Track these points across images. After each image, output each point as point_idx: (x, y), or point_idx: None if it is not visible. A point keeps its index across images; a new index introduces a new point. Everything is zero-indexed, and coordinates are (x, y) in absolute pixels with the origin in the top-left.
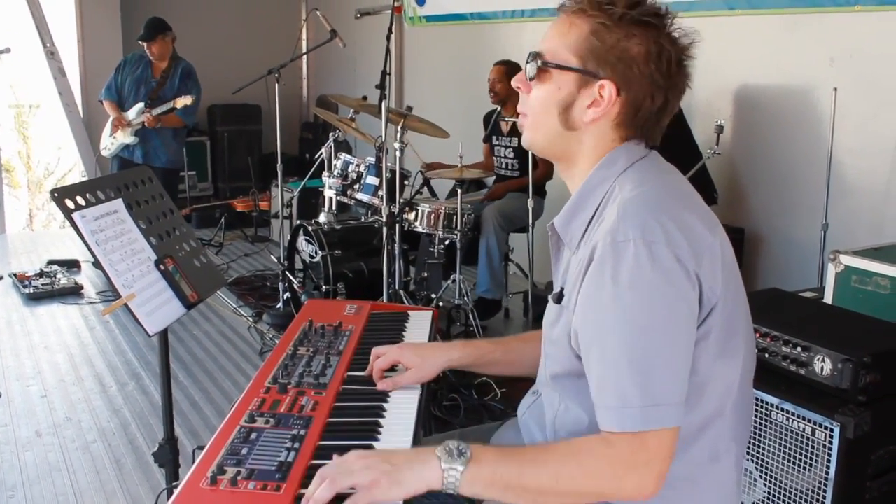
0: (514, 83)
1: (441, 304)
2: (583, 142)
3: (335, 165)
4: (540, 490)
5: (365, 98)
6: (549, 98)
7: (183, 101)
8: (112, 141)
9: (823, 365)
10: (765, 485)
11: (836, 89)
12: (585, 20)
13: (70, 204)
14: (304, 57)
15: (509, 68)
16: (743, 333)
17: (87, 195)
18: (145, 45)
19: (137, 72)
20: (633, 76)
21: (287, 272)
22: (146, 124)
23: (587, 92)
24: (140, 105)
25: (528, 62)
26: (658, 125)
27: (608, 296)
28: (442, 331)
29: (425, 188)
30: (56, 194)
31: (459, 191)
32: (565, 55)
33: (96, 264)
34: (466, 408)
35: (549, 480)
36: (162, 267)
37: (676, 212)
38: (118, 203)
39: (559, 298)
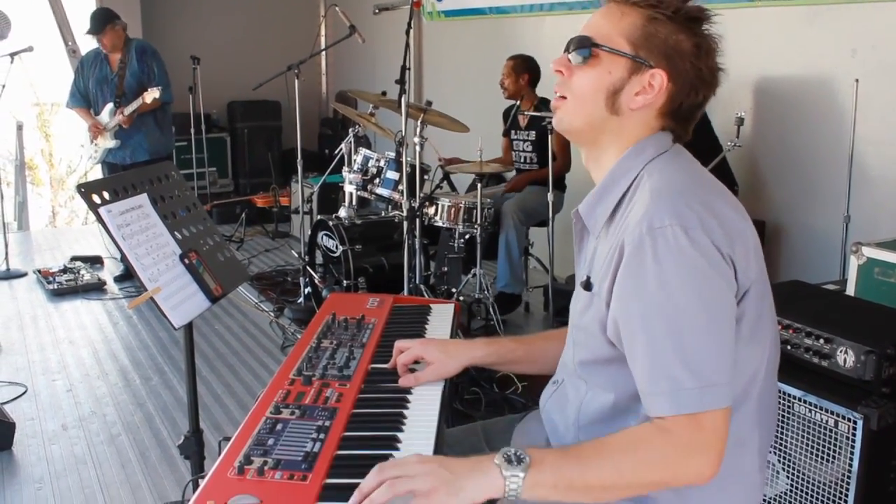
0: (554, 66)
1: (461, 298)
2: (623, 127)
3: (355, 161)
4: (604, 486)
5: (384, 93)
6: (598, 82)
7: (151, 95)
8: (95, 148)
9: (846, 357)
10: (788, 477)
11: (857, 80)
12: (638, 11)
13: (97, 199)
14: (324, 53)
15: (516, 63)
16: (769, 321)
17: (113, 190)
18: (96, 38)
19: (97, 72)
20: (682, 69)
21: (308, 267)
22: (122, 125)
23: (637, 79)
24: (110, 105)
25: (574, 47)
26: (692, 120)
27: (652, 282)
28: (463, 325)
29: (445, 182)
30: (83, 189)
31: (479, 185)
32: (618, 41)
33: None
34: (487, 401)
35: (612, 476)
36: (186, 261)
37: (706, 197)
38: (143, 198)
39: (588, 285)
